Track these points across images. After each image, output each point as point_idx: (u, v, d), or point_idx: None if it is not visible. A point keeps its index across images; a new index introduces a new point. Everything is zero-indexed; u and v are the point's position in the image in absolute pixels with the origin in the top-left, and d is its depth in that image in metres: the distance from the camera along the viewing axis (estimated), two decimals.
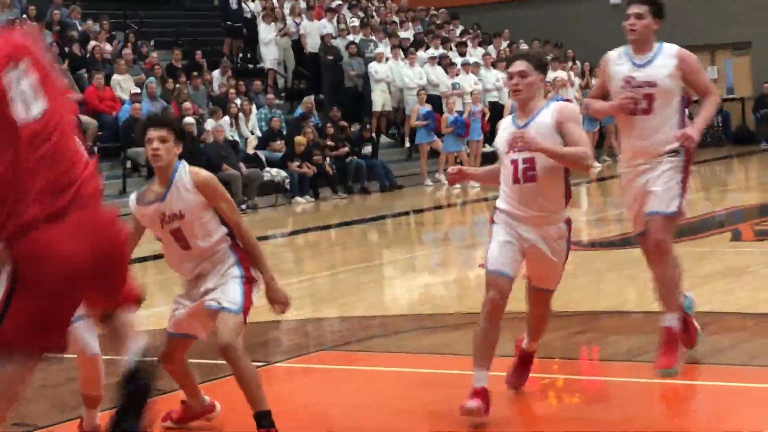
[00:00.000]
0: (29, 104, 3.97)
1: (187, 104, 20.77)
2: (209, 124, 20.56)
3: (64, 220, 3.99)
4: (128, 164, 19.73)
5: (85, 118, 19.75)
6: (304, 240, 16.26)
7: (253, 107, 22.49)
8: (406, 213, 18.80)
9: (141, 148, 19.24)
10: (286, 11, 26.39)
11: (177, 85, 21.86)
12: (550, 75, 24.97)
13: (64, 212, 3.99)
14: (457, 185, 20.33)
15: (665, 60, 6.52)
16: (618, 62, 6.64)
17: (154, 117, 5.60)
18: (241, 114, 21.85)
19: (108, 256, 4.14)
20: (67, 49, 21.85)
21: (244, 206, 19.36)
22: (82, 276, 4.04)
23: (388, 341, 8.20)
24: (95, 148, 19.50)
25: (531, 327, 6.20)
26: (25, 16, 22.63)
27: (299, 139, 20.91)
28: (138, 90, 20.94)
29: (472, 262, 11.92)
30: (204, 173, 5.50)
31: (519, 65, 5.86)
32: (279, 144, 21.41)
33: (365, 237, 16.09)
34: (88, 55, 22.05)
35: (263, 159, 21.08)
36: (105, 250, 4.11)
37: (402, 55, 25.24)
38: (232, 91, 22.48)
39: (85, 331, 5.29)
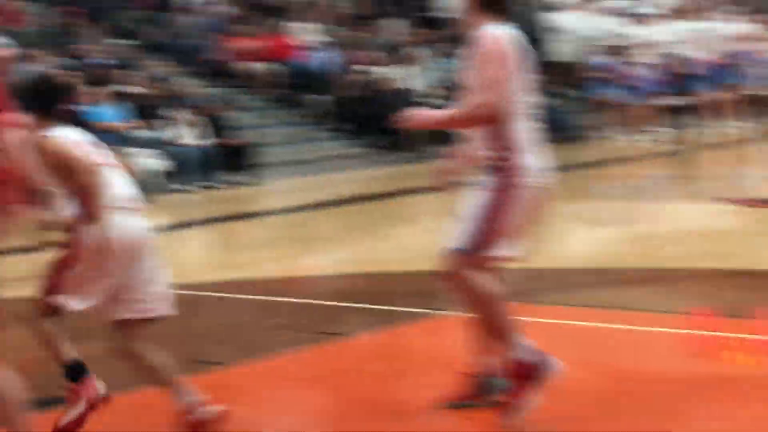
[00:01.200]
0: None
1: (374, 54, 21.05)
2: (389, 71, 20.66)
3: None
4: (313, 111, 19.94)
5: (269, 64, 20.03)
6: None
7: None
8: (590, 165, 18.59)
9: (328, 96, 19.59)
10: None
11: (358, 33, 21.96)
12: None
13: None
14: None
15: None
16: None
17: None
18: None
19: None
20: None
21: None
22: None
23: (566, 295, 8.16)
24: (280, 95, 19.80)
25: None
26: None
27: None
28: (322, 38, 21.15)
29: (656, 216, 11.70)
30: None
31: None
32: None
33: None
34: (276, 2, 22.38)
35: None
36: None
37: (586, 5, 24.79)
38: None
39: None
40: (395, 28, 23.40)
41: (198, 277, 9.47)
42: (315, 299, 8.86)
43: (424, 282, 7.84)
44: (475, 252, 4.93)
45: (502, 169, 4.94)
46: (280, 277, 9.98)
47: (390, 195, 16.05)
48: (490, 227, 4.92)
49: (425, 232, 11.35)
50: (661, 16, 25.44)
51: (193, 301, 8.52)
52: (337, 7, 23.23)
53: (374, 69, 20.34)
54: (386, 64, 21.15)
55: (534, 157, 4.99)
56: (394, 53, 21.72)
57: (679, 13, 26.01)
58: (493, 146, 4.96)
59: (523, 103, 4.99)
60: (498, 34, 4.92)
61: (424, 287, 8.40)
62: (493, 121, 4.89)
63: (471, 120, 4.99)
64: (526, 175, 4.94)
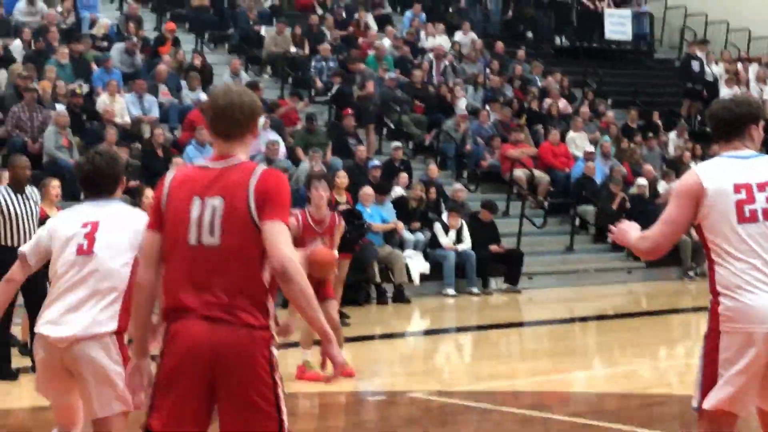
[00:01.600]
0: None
1: (648, 166, 20.70)
2: (661, 186, 20.27)
3: None
4: (577, 221, 19.75)
5: (537, 172, 20.07)
6: None
7: None
8: None
9: (591, 206, 19.46)
10: (751, 75, 25.55)
11: (631, 145, 21.71)
12: None
13: None
14: None
15: None
16: None
17: None
18: None
19: None
20: (526, 104, 22.34)
21: (692, 273, 18.95)
22: None
23: None
24: (545, 203, 19.76)
25: None
26: (488, 70, 23.44)
27: None
28: (592, 148, 20.98)
29: None
30: None
31: None
32: None
33: None
34: (545, 111, 22.41)
35: None
36: None
37: None
38: (687, 153, 22.00)
39: None
40: (673, 142, 22.98)
41: (453, 385, 9.37)
42: (569, 416, 8.58)
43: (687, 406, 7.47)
44: (699, 408, 4.64)
45: (711, 313, 4.65)
46: (537, 391, 9.75)
47: (654, 313, 15.58)
48: (704, 377, 4.63)
49: (689, 356, 10.88)
50: None
51: (448, 410, 8.40)
52: (608, 117, 23.03)
53: (641, 182, 19.95)
54: (657, 178, 20.73)
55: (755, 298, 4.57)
56: (670, 167, 21.27)
57: None
58: (709, 287, 4.70)
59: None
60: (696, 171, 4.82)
61: (686, 411, 8.01)
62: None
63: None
64: (733, 320, 4.56)
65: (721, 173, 4.70)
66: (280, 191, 4.13)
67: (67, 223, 5.29)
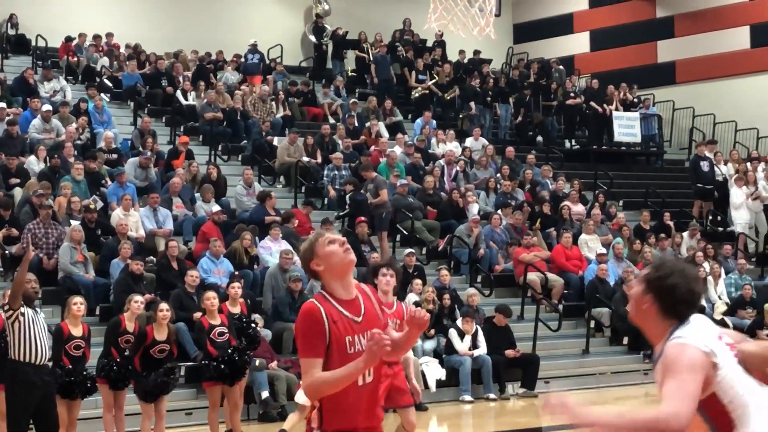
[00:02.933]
0: None
1: None
2: None
3: None
4: (592, 324, 19.70)
5: (551, 275, 20.08)
6: None
7: (722, 271, 21.87)
8: None
9: (605, 308, 19.43)
10: (760, 174, 25.67)
11: (644, 247, 21.76)
12: None
13: None
14: None
15: None
16: None
17: None
18: (710, 278, 21.31)
19: None
20: (537, 208, 22.46)
21: None
22: None
23: None
24: (560, 306, 19.74)
25: None
26: (499, 174, 23.61)
27: None
28: (604, 250, 21.03)
29: None
30: None
31: None
32: (749, 311, 20.62)
33: None
34: (557, 214, 22.52)
35: (730, 326, 20.33)
36: None
37: None
38: (700, 254, 22.01)
39: None
40: (686, 243, 23.00)
41: None
42: None
43: None
44: None
45: None
46: None
47: None
48: None
49: None
50: None
51: None
52: (620, 218, 23.11)
53: None
54: None
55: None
56: None
57: None
58: None
59: None
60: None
61: None
62: None
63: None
64: None
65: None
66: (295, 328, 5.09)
67: None
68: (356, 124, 24.88)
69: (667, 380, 4.30)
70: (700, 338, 4.35)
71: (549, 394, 4.16)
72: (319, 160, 22.63)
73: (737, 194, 24.57)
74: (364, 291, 5.30)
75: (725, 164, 26.15)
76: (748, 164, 26.09)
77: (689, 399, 4.22)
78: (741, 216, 24.61)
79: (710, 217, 25.57)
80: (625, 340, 19.51)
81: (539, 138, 28.00)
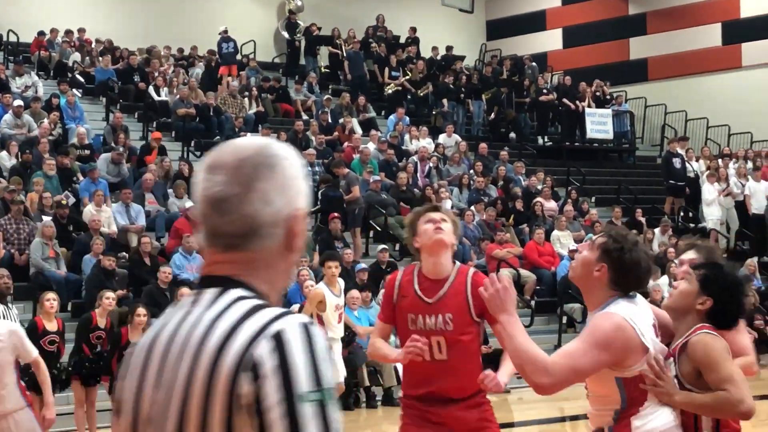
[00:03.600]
0: None
1: None
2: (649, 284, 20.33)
3: None
4: (564, 319, 19.77)
5: (524, 271, 20.15)
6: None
7: None
8: None
9: (577, 304, 19.52)
10: (731, 171, 25.83)
11: None
12: None
13: None
14: None
15: None
16: None
17: None
18: None
19: None
20: (510, 205, 22.51)
21: None
22: None
23: None
24: (532, 302, 19.81)
25: None
26: (472, 171, 23.66)
27: None
28: (576, 247, 21.09)
29: None
30: None
31: None
32: None
33: None
34: (530, 211, 22.59)
35: None
36: None
37: None
38: (672, 250, 22.12)
39: None
40: (657, 239, 23.12)
41: None
42: None
43: None
44: None
45: None
46: None
47: None
48: None
49: None
50: None
51: None
52: (592, 215, 23.21)
53: None
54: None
55: None
56: (655, 264, 21.33)
57: None
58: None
59: None
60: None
61: None
62: None
63: None
64: None
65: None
66: None
67: None
68: (329, 121, 24.87)
69: (576, 340, 4.35)
70: (639, 321, 4.39)
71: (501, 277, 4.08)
72: None
73: (709, 191, 24.72)
74: (464, 277, 5.49)
75: (697, 161, 26.30)
76: (720, 161, 26.26)
77: (572, 372, 4.24)
78: (712, 212, 24.76)
79: (682, 214, 25.72)
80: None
81: (512, 135, 28.08)
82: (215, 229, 2.24)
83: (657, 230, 23.45)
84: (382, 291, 5.53)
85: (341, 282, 12.88)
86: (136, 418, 2.23)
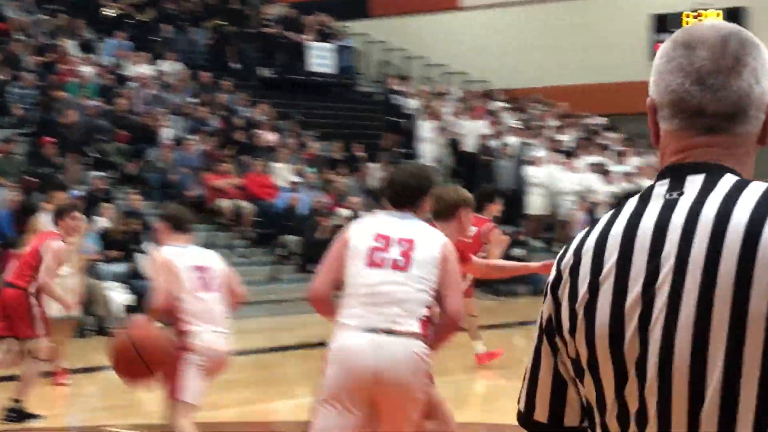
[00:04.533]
0: None
1: (353, 197, 21.24)
2: (353, 215, 20.85)
3: None
4: (282, 251, 19.97)
5: (242, 203, 20.18)
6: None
7: None
8: None
9: (294, 236, 19.75)
10: (447, 110, 26.64)
11: (335, 177, 22.19)
12: None
13: None
14: None
15: None
16: None
17: None
18: None
19: None
20: (231, 135, 22.44)
21: None
22: None
23: None
24: (251, 233, 19.89)
25: None
26: (194, 100, 23.41)
27: None
28: (297, 179, 21.31)
29: None
30: None
31: None
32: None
33: (510, 342, 15.89)
34: (251, 142, 22.59)
35: None
36: None
37: (559, 159, 25.19)
38: None
39: None
40: (375, 174, 23.62)
41: (155, 419, 9.29)
42: None
43: None
44: None
45: None
46: (240, 421, 9.78)
47: None
48: None
49: None
50: (631, 175, 25.80)
51: None
52: (314, 148, 23.46)
53: (344, 212, 20.43)
54: (362, 209, 21.26)
55: None
56: (372, 197, 21.86)
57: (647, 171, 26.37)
58: None
59: None
60: None
61: None
62: None
63: None
64: None
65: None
66: None
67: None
68: (46, 42, 23.95)
69: None
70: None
71: None
72: (6, 77, 21.66)
73: (425, 128, 25.45)
74: None
75: (414, 98, 26.96)
76: (436, 99, 27.03)
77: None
78: (428, 150, 25.53)
79: (399, 150, 26.35)
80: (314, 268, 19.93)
81: (236, 65, 27.90)
82: (699, 108, 1.94)
83: (376, 165, 23.95)
84: None
85: None
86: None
